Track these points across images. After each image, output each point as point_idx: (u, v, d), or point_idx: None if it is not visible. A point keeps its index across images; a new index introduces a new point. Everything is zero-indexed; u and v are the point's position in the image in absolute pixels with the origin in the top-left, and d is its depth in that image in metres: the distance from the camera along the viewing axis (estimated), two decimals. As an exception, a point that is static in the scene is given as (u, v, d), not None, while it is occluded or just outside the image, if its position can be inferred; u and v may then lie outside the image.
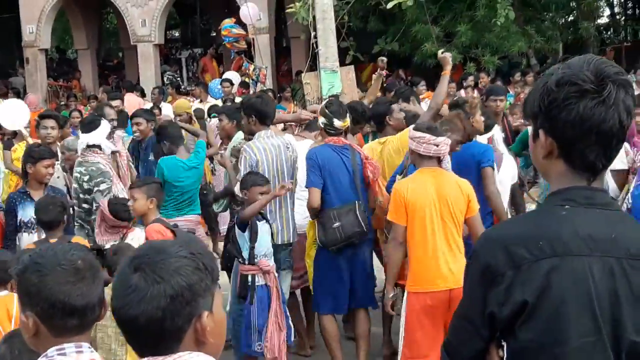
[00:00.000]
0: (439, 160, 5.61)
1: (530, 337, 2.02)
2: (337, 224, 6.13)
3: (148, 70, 20.11)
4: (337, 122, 6.37)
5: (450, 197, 5.48)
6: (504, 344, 2.12)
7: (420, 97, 11.40)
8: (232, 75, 16.13)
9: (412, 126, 5.85)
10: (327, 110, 6.47)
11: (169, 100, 16.03)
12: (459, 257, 5.48)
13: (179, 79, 20.88)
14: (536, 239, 2.04)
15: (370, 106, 7.88)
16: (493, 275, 2.05)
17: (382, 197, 6.34)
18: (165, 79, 20.44)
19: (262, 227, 6.08)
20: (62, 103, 18.77)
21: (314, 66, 12.22)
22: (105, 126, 7.39)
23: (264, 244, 6.07)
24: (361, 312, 6.43)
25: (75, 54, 26.42)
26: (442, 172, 5.63)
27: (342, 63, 12.55)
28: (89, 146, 7.25)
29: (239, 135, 7.84)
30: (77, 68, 24.05)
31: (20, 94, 19.85)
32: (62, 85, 21.99)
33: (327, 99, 7.26)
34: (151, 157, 8.43)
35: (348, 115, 6.54)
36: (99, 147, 7.29)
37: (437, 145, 5.48)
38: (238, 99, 13.81)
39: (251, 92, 15.08)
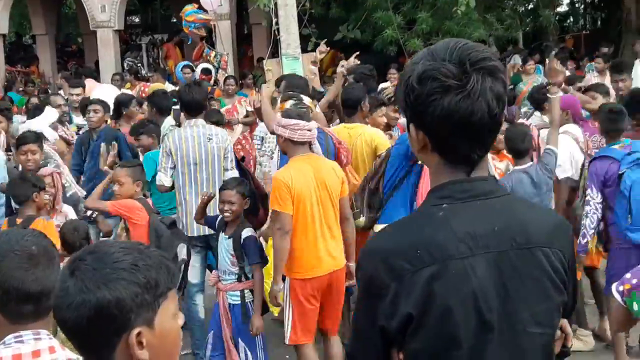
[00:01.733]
0: (310, 146, 5.71)
1: (422, 347, 1.95)
2: None
3: (107, 56, 19.89)
4: (306, 99, 6.45)
5: (328, 181, 5.60)
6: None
7: (393, 84, 11.43)
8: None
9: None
10: (290, 92, 6.57)
11: (127, 86, 15.87)
12: (338, 239, 5.65)
13: (139, 65, 20.69)
14: (414, 248, 1.95)
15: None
16: (378, 288, 1.97)
17: (356, 181, 6.40)
18: (125, 65, 20.26)
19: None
20: (20, 89, 18.54)
21: (275, 53, 12.21)
22: (49, 113, 7.28)
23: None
24: None
25: (33, 39, 26.09)
26: (316, 157, 5.74)
27: (304, 50, 12.54)
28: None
29: (168, 121, 7.82)
30: (35, 54, 23.74)
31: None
32: (20, 71, 21.68)
33: (284, 81, 7.21)
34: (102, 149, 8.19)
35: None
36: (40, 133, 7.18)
37: (310, 130, 5.59)
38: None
39: (212, 79, 15.01)
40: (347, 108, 6.99)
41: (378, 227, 6.13)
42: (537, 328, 1.99)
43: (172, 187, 6.58)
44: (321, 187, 5.55)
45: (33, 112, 7.31)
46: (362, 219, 6.28)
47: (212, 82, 15.02)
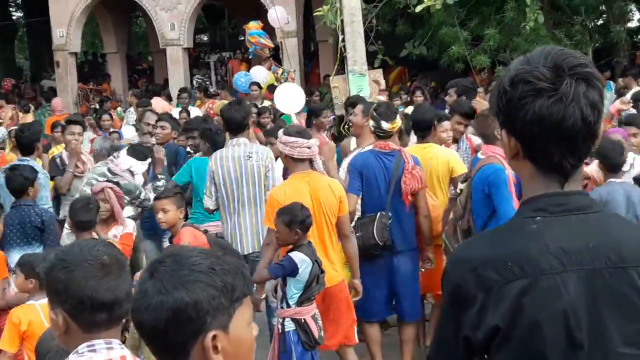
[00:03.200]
0: (310, 162, 5.74)
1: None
2: (358, 234, 6.11)
3: (177, 73, 20.21)
4: (385, 125, 6.32)
5: (324, 200, 5.65)
6: (486, 357, 2.00)
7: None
8: (259, 70, 16.13)
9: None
10: (375, 113, 6.42)
11: (197, 103, 16.11)
12: (333, 257, 5.68)
13: (207, 82, 20.96)
14: (505, 260, 1.91)
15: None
16: (464, 298, 1.94)
17: (434, 202, 6.38)
18: (194, 82, 20.54)
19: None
20: (92, 106, 18.95)
21: (342, 70, 12.24)
22: (148, 161, 7.50)
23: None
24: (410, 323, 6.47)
25: (104, 58, 26.63)
26: (315, 175, 5.76)
27: (371, 66, 12.56)
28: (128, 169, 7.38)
29: None
30: (107, 72, 24.24)
31: (50, 98, 20.03)
32: (93, 88, 22.16)
33: (377, 103, 7.12)
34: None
35: (397, 117, 6.48)
36: (133, 174, 7.38)
37: (310, 148, 5.65)
38: (266, 103, 13.86)
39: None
40: (419, 130, 6.94)
41: None
42: (628, 349, 1.93)
43: (217, 208, 6.78)
44: (316, 205, 5.59)
45: (139, 154, 7.49)
46: None
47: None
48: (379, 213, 6.20)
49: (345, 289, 5.84)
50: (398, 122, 6.47)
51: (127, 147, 7.80)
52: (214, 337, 1.81)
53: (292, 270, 5.22)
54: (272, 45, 16.49)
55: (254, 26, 16.32)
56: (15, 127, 12.04)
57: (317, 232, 5.64)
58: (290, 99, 11.40)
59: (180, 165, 8.26)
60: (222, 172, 6.62)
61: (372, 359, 6.36)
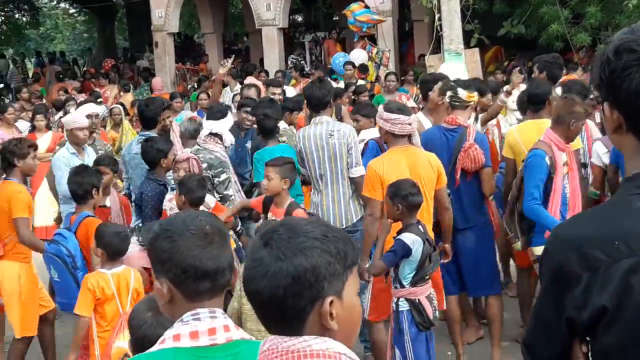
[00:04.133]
0: (409, 138, 5.81)
1: (614, 341, 1.85)
2: None
3: (272, 53, 20.38)
4: (462, 92, 6.29)
5: (422, 173, 5.70)
6: (588, 338, 1.95)
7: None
8: (358, 53, 16.10)
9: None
10: (452, 83, 6.45)
11: (292, 83, 16.19)
12: (429, 228, 5.67)
13: (303, 62, 21.06)
14: (611, 238, 1.84)
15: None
16: (568, 278, 1.88)
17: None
18: (289, 62, 20.67)
19: None
20: (189, 86, 19.27)
21: (437, 49, 12.13)
22: (230, 118, 7.47)
23: None
24: (490, 298, 6.44)
25: (202, 38, 27.05)
26: (413, 149, 5.84)
27: (467, 46, 12.41)
28: (211, 134, 7.25)
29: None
30: (204, 52, 24.61)
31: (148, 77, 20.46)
32: (190, 68, 22.54)
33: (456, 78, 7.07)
34: (248, 144, 8.28)
35: (476, 91, 6.45)
36: (220, 137, 7.29)
37: (410, 124, 5.72)
38: (360, 82, 13.85)
39: (374, 75, 15.08)
40: (534, 104, 6.78)
41: (537, 250, 5.94)
42: None
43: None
44: (414, 177, 5.62)
45: (215, 113, 7.44)
46: (518, 243, 6.11)
47: (373, 78, 15.11)
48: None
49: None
50: (475, 95, 6.47)
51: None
52: (331, 302, 1.84)
53: (405, 253, 5.22)
54: (385, 20, 16.41)
55: (357, 7, 16.29)
56: (116, 105, 12.38)
57: None
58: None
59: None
60: (306, 150, 6.69)
61: (452, 337, 6.38)
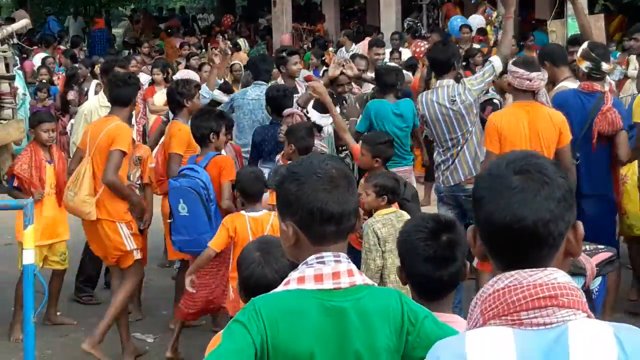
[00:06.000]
0: (534, 94, 5.81)
1: None
2: None
3: (389, 16, 20.21)
4: (605, 66, 6.23)
5: (542, 130, 5.71)
6: None
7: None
8: (477, 19, 15.84)
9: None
10: (593, 54, 6.29)
11: (406, 45, 16.07)
12: None
13: (419, 24, 20.82)
14: None
15: None
16: None
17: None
18: (405, 24, 20.48)
19: None
20: (305, 46, 19.35)
21: (561, 14, 11.83)
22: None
23: None
24: None
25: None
26: (535, 105, 5.84)
27: (591, 12, 12.05)
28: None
29: None
30: (321, 12, 24.62)
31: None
32: (306, 28, 22.61)
33: (589, 41, 6.83)
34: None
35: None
36: (320, 128, 7.36)
37: (530, 80, 5.73)
38: (476, 46, 13.63)
39: (492, 39, 14.81)
40: None
41: None
42: None
43: None
44: (532, 133, 5.68)
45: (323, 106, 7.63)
46: None
47: (491, 43, 14.85)
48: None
49: None
50: (612, 64, 6.33)
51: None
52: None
53: None
54: None
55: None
56: (236, 62, 12.57)
57: None
58: None
59: None
60: (431, 117, 6.63)
61: None
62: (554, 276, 1.75)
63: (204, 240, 5.77)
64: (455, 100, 6.56)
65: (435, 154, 6.84)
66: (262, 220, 5.51)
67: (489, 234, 1.82)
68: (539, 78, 5.75)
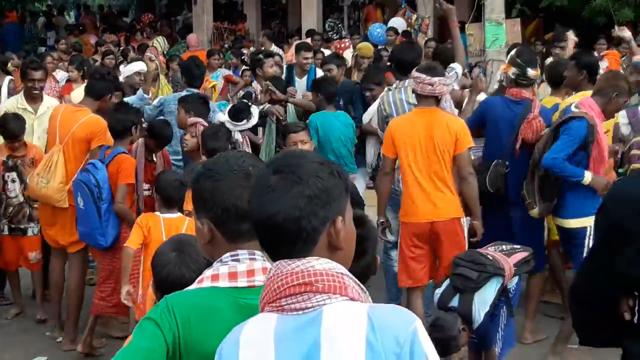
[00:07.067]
0: (437, 100, 5.80)
1: None
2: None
3: (310, 17, 20.22)
4: (531, 72, 6.24)
5: (437, 136, 5.73)
6: (636, 293, 1.98)
7: (601, 54, 11.02)
8: (398, 22, 15.97)
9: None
10: (519, 60, 6.30)
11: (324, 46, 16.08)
12: (445, 192, 5.75)
13: (340, 26, 20.90)
14: None
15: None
16: (623, 234, 1.91)
17: None
18: (326, 25, 20.53)
19: None
20: (225, 45, 19.21)
21: (478, 17, 12.00)
22: (254, 118, 7.46)
23: None
24: (534, 275, 6.36)
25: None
26: (435, 111, 5.83)
27: (508, 16, 12.26)
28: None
29: None
30: (243, 12, 24.51)
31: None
32: (227, 27, 22.46)
33: (516, 48, 6.94)
34: (341, 102, 8.41)
35: (538, 64, 6.42)
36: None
37: (432, 85, 5.72)
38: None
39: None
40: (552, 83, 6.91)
41: (570, 222, 5.91)
42: None
43: None
44: (427, 139, 5.72)
45: (237, 114, 7.61)
46: (535, 210, 6.06)
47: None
48: (495, 161, 6.19)
49: (455, 227, 5.81)
50: (539, 69, 6.42)
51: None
52: (341, 221, 1.90)
53: None
54: None
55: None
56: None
57: (427, 165, 5.74)
58: None
59: (356, 103, 8.30)
60: (398, 115, 6.56)
61: None
62: (312, 264, 1.86)
63: (95, 236, 6.00)
64: None
65: None
66: (176, 223, 5.48)
67: (255, 230, 1.95)
68: (441, 83, 5.74)
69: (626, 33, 8.60)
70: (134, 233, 5.52)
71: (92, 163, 6.18)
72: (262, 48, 15.43)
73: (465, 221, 5.89)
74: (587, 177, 5.78)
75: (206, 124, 6.71)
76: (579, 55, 7.17)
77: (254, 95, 8.99)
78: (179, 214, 5.58)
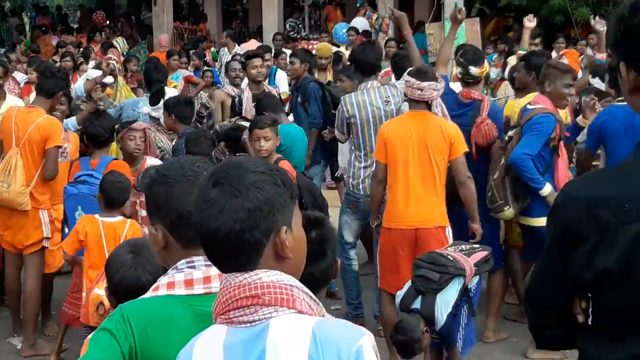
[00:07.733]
0: (428, 105, 5.69)
1: (618, 303, 1.86)
2: None
3: (271, 17, 20.16)
4: (473, 70, 6.24)
5: (430, 140, 5.63)
6: (590, 295, 1.97)
7: (560, 53, 11.14)
8: (360, 22, 15.99)
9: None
10: (461, 59, 6.31)
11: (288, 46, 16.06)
12: (434, 199, 5.67)
13: (301, 26, 20.89)
14: (622, 201, 1.84)
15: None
16: (574, 236, 1.89)
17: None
18: (287, 26, 20.49)
19: None
20: (185, 44, 19.08)
21: (438, 17, 12.06)
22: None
23: None
24: (493, 273, 6.32)
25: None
26: (427, 115, 5.73)
27: (467, 15, 12.32)
28: (151, 117, 7.56)
29: None
30: (203, 12, 24.39)
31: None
32: (188, 28, 22.34)
33: (459, 47, 6.93)
34: (299, 99, 8.38)
35: (485, 61, 6.38)
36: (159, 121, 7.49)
37: (421, 90, 5.62)
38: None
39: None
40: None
41: (537, 221, 5.93)
42: None
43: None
44: (420, 144, 5.62)
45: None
46: (509, 211, 6.06)
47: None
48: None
49: (440, 235, 5.74)
50: (486, 66, 6.42)
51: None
52: (285, 231, 1.88)
53: None
54: None
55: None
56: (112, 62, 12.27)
57: (418, 170, 5.64)
58: None
59: (310, 100, 8.27)
60: (361, 117, 6.55)
61: None
62: (259, 276, 1.85)
63: None
64: (389, 101, 6.57)
65: (352, 159, 6.76)
66: (116, 226, 5.41)
67: (201, 243, 1.93)
68: (431, 88, 5.62)
69: (600, 27, 8.63)
70: (69, 237, 5.47)
71: (89, 174, 6.06)
72: (225, 48, 15.37)
73: (449, 231, 5.79)
74: (547, 189, 5.78)
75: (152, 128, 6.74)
76: (528, 57, 7.22)
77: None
78: (120, 217, 5.49)
